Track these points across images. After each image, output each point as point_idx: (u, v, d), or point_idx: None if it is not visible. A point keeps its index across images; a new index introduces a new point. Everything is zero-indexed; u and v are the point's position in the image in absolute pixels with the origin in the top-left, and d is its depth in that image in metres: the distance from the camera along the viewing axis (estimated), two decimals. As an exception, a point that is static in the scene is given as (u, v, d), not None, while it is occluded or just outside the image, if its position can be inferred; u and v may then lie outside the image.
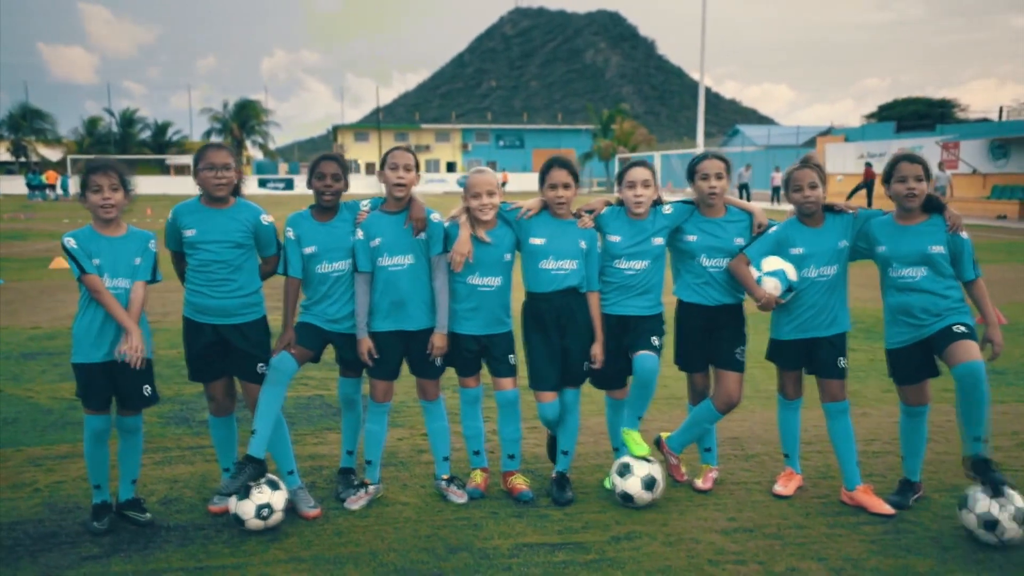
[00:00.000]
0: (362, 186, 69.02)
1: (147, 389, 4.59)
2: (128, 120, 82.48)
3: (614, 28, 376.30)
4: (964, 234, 4.61)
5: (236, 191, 4.81)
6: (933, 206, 4.65)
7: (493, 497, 5.04)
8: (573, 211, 5.00)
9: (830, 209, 4.86)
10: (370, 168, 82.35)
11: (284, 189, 68.87)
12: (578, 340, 4.93)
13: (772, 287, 4.72)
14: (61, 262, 15.50)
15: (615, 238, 4.92)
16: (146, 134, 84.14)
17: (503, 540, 4.45)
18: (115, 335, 4.48)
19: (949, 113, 62.60)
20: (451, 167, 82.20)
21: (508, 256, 4.95)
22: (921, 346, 4.67)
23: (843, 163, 44.06)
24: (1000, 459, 5.61)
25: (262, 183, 65.04)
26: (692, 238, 4.93)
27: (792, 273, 4.73)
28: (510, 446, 5.08)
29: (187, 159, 74.23)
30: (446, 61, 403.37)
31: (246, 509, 4.48)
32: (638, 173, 4.86)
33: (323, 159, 4.87)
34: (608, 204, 5.06)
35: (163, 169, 74.45)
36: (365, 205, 4.99)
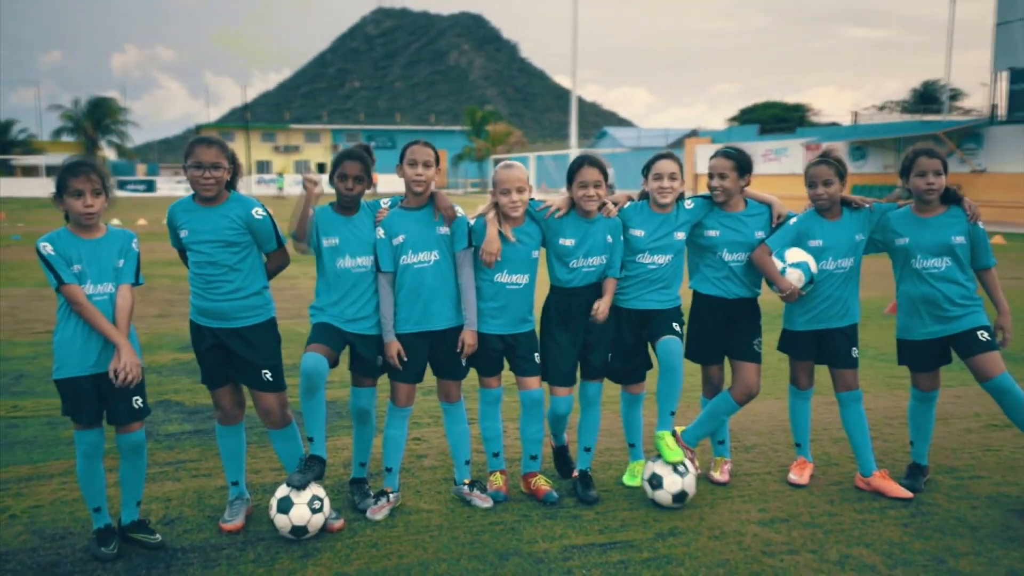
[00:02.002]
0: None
1: (138, 401, 4.21)
2: (-39, 118, 76.69)
3: (477, 30, 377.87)
4: (981, 224, 4.81)
5: (231, 185, 4.48)
6: (949, 198, 4.83)
7: (516, 500, 4.91)
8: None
9: (847, 203, 4.96)
10: (236, 169, 79.76)
11: (145, 191, 65.84)
12: (602, 333, 4.86)
13: (796, 278, 4.78)
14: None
15: (638, 232, 4.87)
16: (-16, 132, 78.55)
17: (549, 543, 4.32)
18: (102, 344, 4.11)
19: (804, 117, 66.00)
20: (321, 168, 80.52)
21: (535, 254, 4.83)
22: (941, 340, 4.85)
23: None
24: (975, 440, 5.91)
25: (121, 185, 61.84)
26: (714, 233, 4.93)
27: (814, 265, 4.81)
28: (533, 447, 4.96)
29: (36, 159, 69.81)
30: (308, 60, 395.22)
31: (301, 498, 4.30)
32: (665, 165, 4.82)
33: (346, 158, 4.60)
34: (630, 199, 5.01)
35: (7, 170, 69.70)
36: (385, 203, 4.77)
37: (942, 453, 5.57)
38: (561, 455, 5.24)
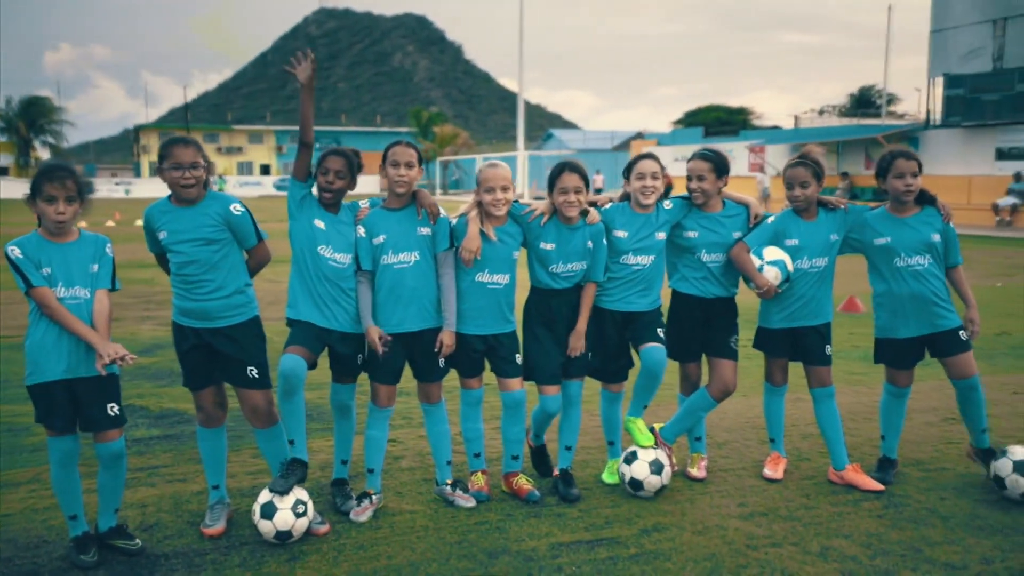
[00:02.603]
0: (168, 189, 65.35)
1: (113, 408, 4.11)
2: None
3: (422, 31, 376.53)
4: (952, 223, 4.98)
5: (204, 184, 4.42)
6: (922, 198, 4.98)
7: (498, 499, 4.92)
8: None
9: (823, 204, 5.08)
10: (177, 170, 78.22)
11: (83, 192, 64.22)
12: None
13: (773, 276, 4.88)
14: None
15: (622, 234, 4.92)
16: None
17: (536, 541, 4.35)
18: (74, 347, 4.01)
19: (747, 120, 67.22)
20: (266, 170, 79.44)
21: (516, 254, 4.85)
22: (922, 338, 5.01)
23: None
24: (935, 433, 6.10)
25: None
26: (693, 234, 5.00)
27: (790, 264, 4.91)
28: (514, 447, 4.98)
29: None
30: (248, 61, 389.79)
31: (285, 503, 4.26)
32: (648, 165, 4.88)
33: (331, 153, 4.59)
34: (612, 201, 5.06)
35: (-64, 171, 67.43)
36: (364, 203, 4.76)
37: (906, 446, 5.72)
38: (540, 455, 5.27)
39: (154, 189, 63.85)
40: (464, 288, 4.78)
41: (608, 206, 5.01)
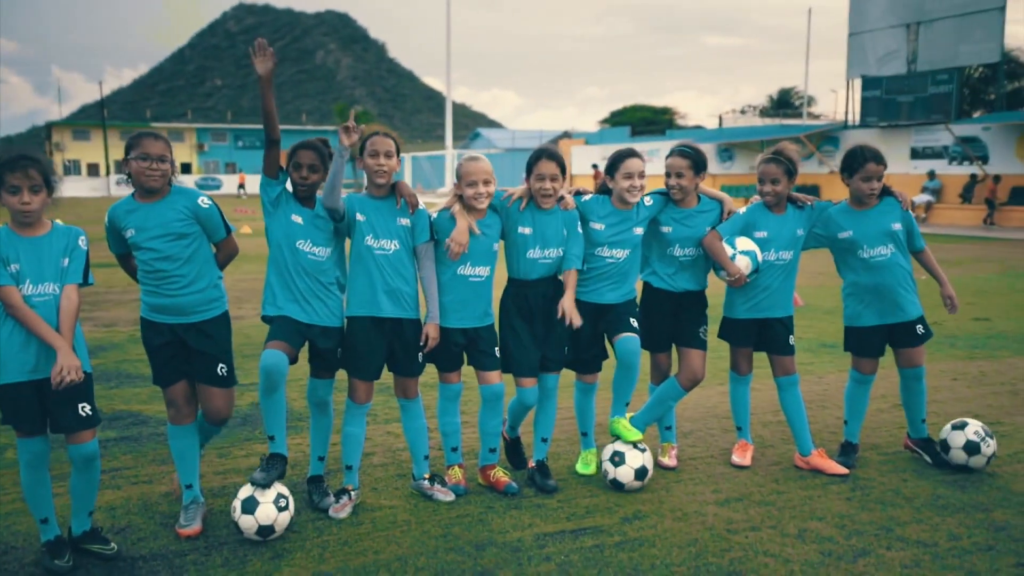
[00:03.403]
0: (85, 189, 63.40)
1: (85, 408, 3.95)
2: None
3: (344, 29, 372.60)
4: (911, 211, 5.18)
5: (168, 182, 4.35)
6: (881, 191, 5.15)
7: (475, 492, 4.92)
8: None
9: (792, 200, 5.22)
10: (93, 169, 75.93)
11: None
12: (560, 324, 4.92)
13: (744, 265, 4.99)
14: None
15: (598, 226, 4.96)
16: None
17: (521, 532, 4.37)
18: (43, 347, 3.86)
19: (672, 120, 68.35)
20: (186, 168, 77.56)
21: (496, 246, 4.86)
22: (888, 327, 5.21)
23: (587, 164, 46.67)
24: (888, 419, 6.31)
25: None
26: (667, 229, 5.07)
27: (760, 255, 5.04)
28: (491, 439, 4.98)
29: None
30: (165, 57, 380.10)
31: (266, 496, 4.21)
32: (635, 164, 4.90)
33: (300, 147, 4.55)
34: (579, 192, 5.10)
35: None
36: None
37: (863, 432, 5.91)
38: (515, 447, 5.29)
39: (70, 188, 61.76)
40: (445, 281, 4.77)
41: (587, 197, 5.04)
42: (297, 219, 4.50)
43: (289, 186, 4.60)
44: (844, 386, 6.99)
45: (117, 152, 74.59)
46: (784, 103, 66.30)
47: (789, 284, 5.25)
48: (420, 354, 4.76)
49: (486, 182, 4.70)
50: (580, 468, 5.25)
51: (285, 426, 4.45)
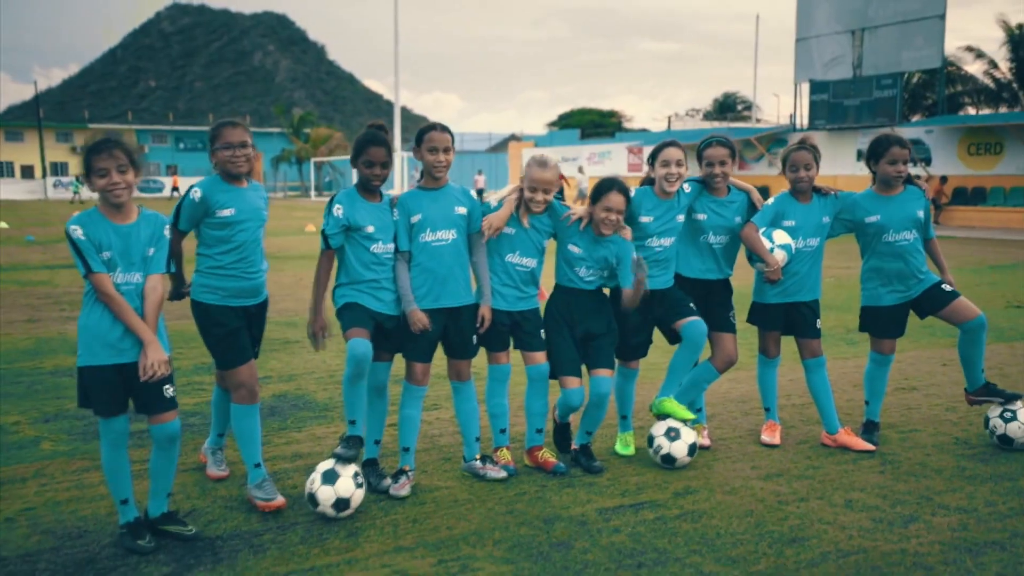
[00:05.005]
0: (20, 192, 61.49)
1: (168, 390, 4.07)
2: None
3: (282, 31, 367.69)
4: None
5: (249, 172, 4.57)
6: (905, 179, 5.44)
7: (524, 473, 5.06)
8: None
9: (816, 190, 5.48)
10: (27, 171, 73.78)
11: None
12: (605, 325, 5.10)
13: (781, 258, 5.24)
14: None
15: (647, 219, 5.16)
16: None
17: (582, 507, 4.52)
18: (129, 331, 3.94)
19: (620, 123, 69.18)
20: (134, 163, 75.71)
21: (545, 243, 5.05)
22: (906, 305, 5.46)
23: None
24: (893, 402, 6.61)
25: None
26: (702, 216, 5.30)
27: (794, 247, 5.29)
28: (538, 420, 5.13)
29: None
30: (95, 57, 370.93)
31: (347, 471, 4.37)
32: (673, 153, 5.12)
33: (371, 144, 4.64)
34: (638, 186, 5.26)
35: None
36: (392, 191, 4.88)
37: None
38: (563, 431, 5.41)
39: (4, 191, 59.92)
40: (494, 266, 4.93)
41: (633, 193, 5.21)
42: (369, 229, 4.64)
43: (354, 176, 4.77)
44: (843, 374, 7.36)
45: (53, 154, 72.90)
46: (728, 107, 67.57)
47: (816, 270, 5.50)
48: (474, 336, 4.90)
49: (546, 191, 4.87)
50: (620, 449, 5.43)
51: (364, 413, 4.65)
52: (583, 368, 5.10)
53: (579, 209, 5.06)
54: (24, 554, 3.96)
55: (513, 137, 62.40)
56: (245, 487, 4.63)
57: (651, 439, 5.14)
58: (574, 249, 5.02)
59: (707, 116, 66.96)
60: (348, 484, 4.30)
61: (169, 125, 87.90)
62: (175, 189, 58.79)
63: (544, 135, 59.14)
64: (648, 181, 5.30)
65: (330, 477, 4.30)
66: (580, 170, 36.68)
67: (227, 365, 4.51)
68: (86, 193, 56.70)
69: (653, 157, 5.21)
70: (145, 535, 4.03)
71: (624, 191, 4.95)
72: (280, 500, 4.43)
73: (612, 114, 75.13)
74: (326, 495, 4.27)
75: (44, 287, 13.46)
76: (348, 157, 5.16)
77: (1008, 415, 5.35)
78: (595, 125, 62.21)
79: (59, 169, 72.33)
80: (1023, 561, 3.89)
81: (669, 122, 49.34)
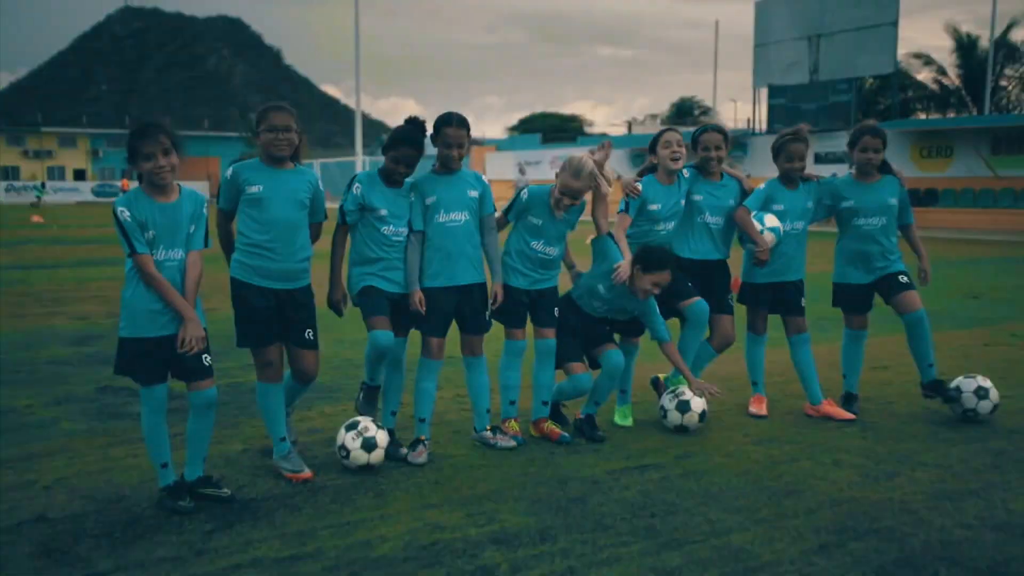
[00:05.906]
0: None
1: (207, 359, 4.31)
2: None
3: (237, 35, 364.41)
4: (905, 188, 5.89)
5: (295, 156, 4.68)
6: (884, 168, 5.84)
7: (532, 442, 5.36)
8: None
9: (803, 178, 5.87)
10: (-20, 175, 72.27)
11: None
12: (607, 333, 5.53)
13: (770, 240, 5.62)
14: None
15: (656, 206, 5.55)
16: None
17: (592, 469, 4.83)
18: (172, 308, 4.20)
19: (581, 128, 69.85)
20: (80, 175, 74.86)
21: (569, 232, 5.38)
22: (871, 285, 5.87)
23: (501, 170, 47.24)
24: (867, 379, 7.02)
25: None
26: (699, 197, 5.68)
27: (782, 230, 5.67)
28: (544, 392, 5.44)
29: None
30: (44, 61, 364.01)
31: (368, 424, 4.81)
32: (673, 135, 5.53)
33: (403, 143, 4.91)
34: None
35: None
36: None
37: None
38: (556, 411, 5.70)
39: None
40: (521, 250, 5.28)
41: (638, 183, 5.56)
42: (382, 212, 4.93)
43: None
44: (829, 354, 7.73)
45: (5, 158, 71.64)
46: (685, 111, 68.62)
47: (802, 251, 5.89)
48: (488, 312, 5.19)
49: (574, 198, 5.17)
50: (619, 420, 5.75)
51: (381, 375, 5.11)
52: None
53: (625, 267, 5.22)
54: (70, 515, 4.17)
55: (474, 141, 62.63)
56: (271, 459, 4.85)
57: (661, 409, 5.54)
58: (600, 289, 5.36)
59: (665, 121, 67.89)
60: (370, 425, 4.76)
61: (124, 129, 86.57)
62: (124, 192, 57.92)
63: (505, 139, 59.57)
64: (649, 169, 5.65)
65: (353, 424, 4.75)
66: (520, 171, 36.65)
67: (243, 343, 4.70)
68: (48, 197, 56.16)
69: (654, 144, 5.57)
70: (185, 496, 4.25)
71: (671, 267, 5.22)
72: (308, 471, 4.66)
73: (574, 119, 75.94)
74: (351, 438, 4.73)
75: (21, 286, 13.43)
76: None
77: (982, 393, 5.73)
78: (556, 129, 62.81)
79: (11, 173, 71.07)
80: (998, 506, 4.28)
81: (629, 127, 50.17)
